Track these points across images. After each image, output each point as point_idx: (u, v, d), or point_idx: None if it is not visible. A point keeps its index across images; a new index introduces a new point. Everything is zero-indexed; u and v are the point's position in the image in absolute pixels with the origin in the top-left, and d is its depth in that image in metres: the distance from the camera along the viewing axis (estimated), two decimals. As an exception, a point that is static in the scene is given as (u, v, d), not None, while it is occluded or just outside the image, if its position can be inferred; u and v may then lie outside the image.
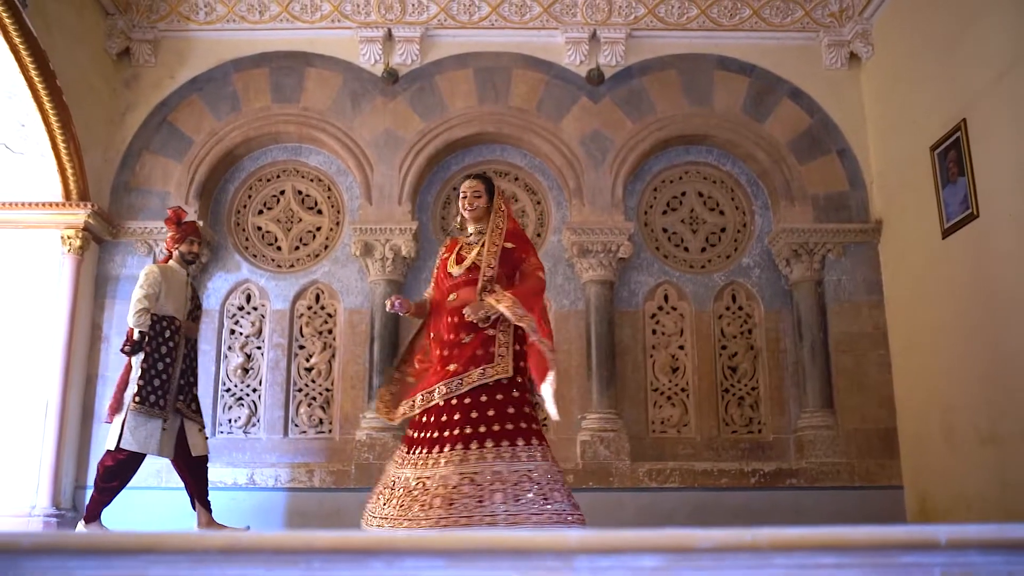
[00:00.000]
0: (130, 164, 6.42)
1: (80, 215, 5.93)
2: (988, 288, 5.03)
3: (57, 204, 5.93)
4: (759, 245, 6.56)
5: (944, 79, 5.51)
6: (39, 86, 5.48)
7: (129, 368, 4.62)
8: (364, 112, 6.52)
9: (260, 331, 6.40)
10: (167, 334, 4.64)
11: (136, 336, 4.58)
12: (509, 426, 3.56)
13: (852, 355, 6.20)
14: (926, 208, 5.66)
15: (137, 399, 4.48)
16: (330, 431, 6.24)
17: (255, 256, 6.54)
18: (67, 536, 1.50)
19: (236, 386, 6.29)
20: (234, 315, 6.42)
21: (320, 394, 6.31)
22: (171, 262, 4.89)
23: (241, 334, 6.37)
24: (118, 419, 4.51)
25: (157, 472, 5.85)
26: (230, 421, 6.23)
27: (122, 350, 4.66)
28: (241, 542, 1.46)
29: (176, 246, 4.88)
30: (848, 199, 6.45)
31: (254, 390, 6.30)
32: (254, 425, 6.23)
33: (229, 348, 6.35)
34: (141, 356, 4.55)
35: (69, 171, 5.88)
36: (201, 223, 5.88)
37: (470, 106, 6.55)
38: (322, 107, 6.53)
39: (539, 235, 6.60)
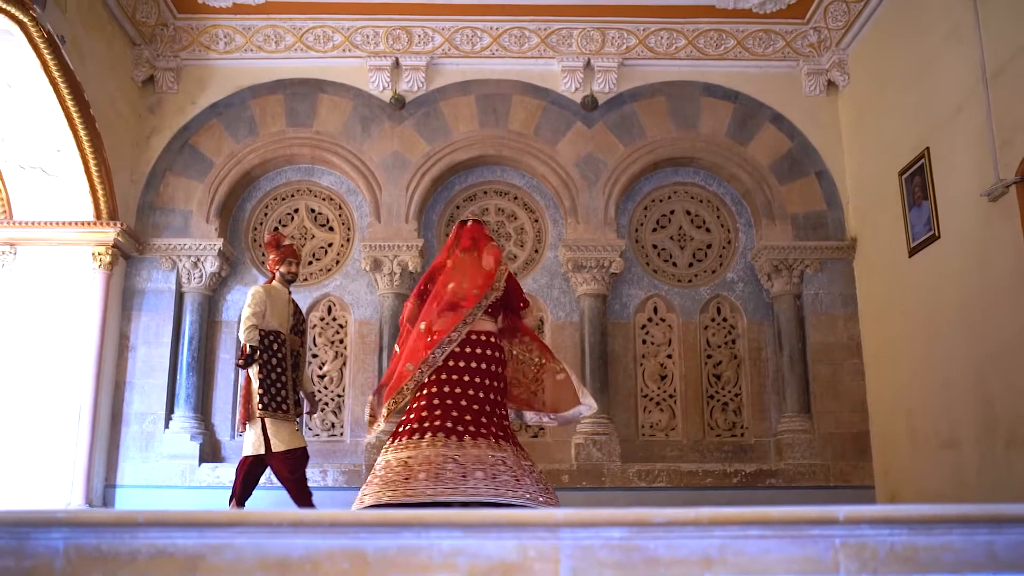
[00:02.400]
0: (155, 185, 6.87)
1: (110, 233, 6.38)
2: (948, 304, 5.49)
3: (88, 223, 6.37)
4: (742, 261, 7.02)
5: (911, 109, 5.98)
6: (74, 115, 5.92)
7: (249, 381, 5.07)
8: (373, 136, 6.98)
9: (276, 341, 6.84)
10: (275, 347, 5.11)
11: (248, 350, 5.02)
12: None
13: (828, 364, 6.66)
14: (895, 228, 6.12)
15: (260, 407, 4.96)
16: (342, 434, 6.69)
17: (271, 270, 6.99)
18: (171, 513, 1.94)
19: (254, 392, 6.74)
20: (251, 326, 6.87)
21: (332, 399, 6.75)
22: (274, 282, 5.33)
23: (258, 343, 6.81)
24: (251, 428, 4.99)
25: (182, 472, 6.31)
26: (248, 425, 6.68)
27: (237, 363, 5.14)
28: (306, 518, 1.91)
29: (277, 267, 5.33)
30: (825, 218, 6.91)
31: (270, 396, 6.75)
32: (271, 428, 6.66)
33: (247, 356, 6.80)
34: (256, 368, 5.00)
35: (100, 192, 6.32)
36: (289, 239, 6.38)
37: (472, 130, 7.01)
38: (334, 131, 6.99)
39: (536, 251, 7.06)
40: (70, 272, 6.37)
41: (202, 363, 6.63)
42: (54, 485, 6.00)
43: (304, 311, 6.83)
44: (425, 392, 4.39)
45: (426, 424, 4.29)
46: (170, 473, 6.33)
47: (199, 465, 6.35)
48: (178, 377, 6.57)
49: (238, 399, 5.31)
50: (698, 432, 6.71)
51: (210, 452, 6.52)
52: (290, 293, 5.40)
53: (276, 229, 7.07)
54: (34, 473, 5.98)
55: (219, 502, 5.94)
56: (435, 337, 4.41)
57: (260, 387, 4.98)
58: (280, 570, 1.91)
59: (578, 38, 7.03)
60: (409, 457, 4.19)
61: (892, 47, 6.28)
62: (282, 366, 5.12)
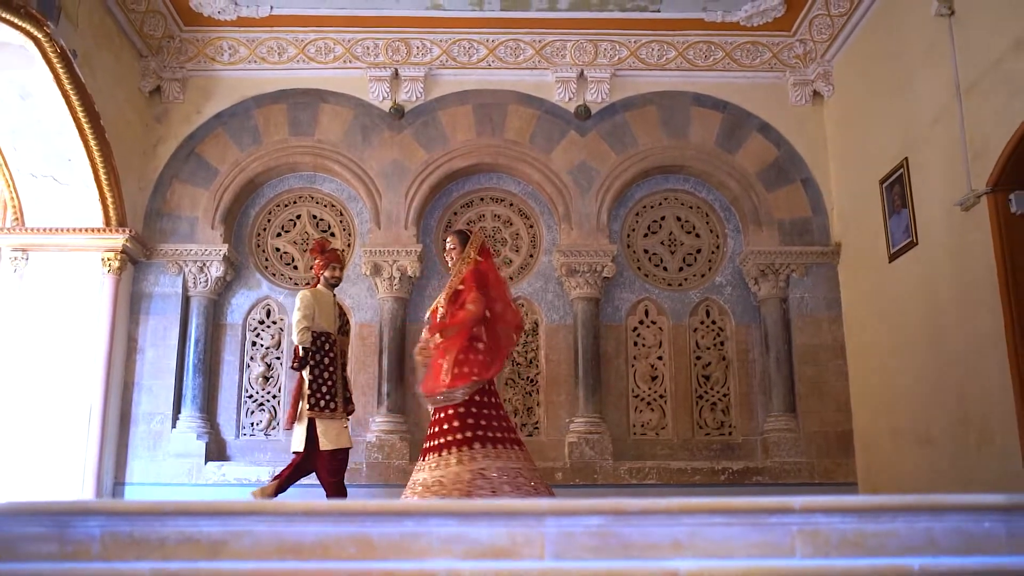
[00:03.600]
0: (161, 192, 7.09)
1: (118, 239, 6.59)
2: (924, 308, 5.72)
3: (98, 229, 6.58)
4: (731, 265, 7.25)
5: (891, 120, 6.20)
6: (85, 126, 6.14)
7: (301, 381, 5.28)
8: (373, 144, 7.20)
9: (279, 343, 7.06)
10: (326, 348, 5.33)
11: (301, 352, 5.23)
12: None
13: (813, 365, 6.89)
14: (876, 234, 6.35)
15: (308, 407, 5.17)
16: (343, 433, 6.90)
17: (274, 275, 7.21)
18: (197, 503, 2.17)
19: (258, 393, 6.96)
20: (255, 328, 7.10)
21: (333, 400, 6.97)
22: (319, 286, 5.53)
23: (262, 346, 7.04)
24: (298, 426, 5.21)
25: (188, 471, 6.53)
26: (252, 424, 6.90)
27: (292, 366, 5.34)
28: (318, 507, 2.14)
29: (322, 272, 5.53)
30: (810, 224, 7.14)
31: (274, 396, 6.97)
32: (274, 428, 6.89)
33: (251, 359, 7.02)
34: (307, 369, 5.21)
35: (109, 200, 6.54)
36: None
37: (469, 139, 7.23)
38: (335, 140, 7.21)
39: (531, 256, 7.29)
40: (80, 277, 6.58)
41: (208, 365, 6.85)
42: (65, 483, 6.21)
43: (306, 314, 7.08)
44: (476, 398, 4.54)
45: (454, 437, 4.45)
46: (177, 471, 6.55)
47: (205, 463, 6.57)
48: (184, 378, 6.79)
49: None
50: (687, 431, 6.93)
51: (216, 451, 6.74)
52: (335, 297, 5.61)
53: (280, 233, 7.30)
54: (46, 471, 6.19)
55: (225, 499, 6.16)
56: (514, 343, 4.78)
57: (309, 388, 5.19)
58: (294, 554, 2.13)
59: (571, 50, 7.25)
60: (442, 476, 4.36)
61: (874, 60, 6.50)
62: (333, 366, 5.35)
